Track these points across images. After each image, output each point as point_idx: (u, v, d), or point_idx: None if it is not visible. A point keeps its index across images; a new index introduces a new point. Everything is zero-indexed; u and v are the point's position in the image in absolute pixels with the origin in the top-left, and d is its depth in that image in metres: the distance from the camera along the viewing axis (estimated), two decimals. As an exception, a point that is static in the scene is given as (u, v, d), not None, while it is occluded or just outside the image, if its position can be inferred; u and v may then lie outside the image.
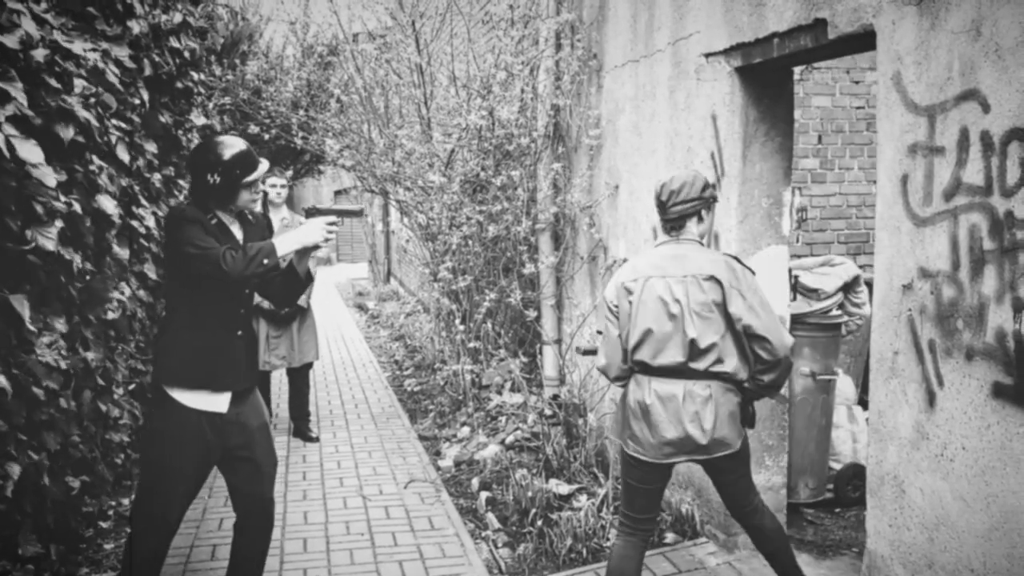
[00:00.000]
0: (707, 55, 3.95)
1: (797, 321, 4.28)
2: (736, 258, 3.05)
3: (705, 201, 3.06)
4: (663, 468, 3.06)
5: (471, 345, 6.31)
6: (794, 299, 4.44)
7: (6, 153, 1.99)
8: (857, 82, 6.31)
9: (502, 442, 5.51)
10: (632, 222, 4.80)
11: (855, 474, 4.49)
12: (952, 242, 2.72)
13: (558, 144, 5.73)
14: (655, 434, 2.96)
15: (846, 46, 3.29)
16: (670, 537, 4.15)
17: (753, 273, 3.04)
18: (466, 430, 5.94)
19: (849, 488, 4.51)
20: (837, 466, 4.68)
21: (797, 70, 5.92)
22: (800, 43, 3.38)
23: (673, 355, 2.95)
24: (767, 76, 3.81)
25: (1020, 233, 2.48)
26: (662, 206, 3.06)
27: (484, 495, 4.71)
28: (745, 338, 2.93)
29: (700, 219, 3.08)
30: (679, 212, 3.03)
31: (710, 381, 2.95)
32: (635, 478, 3.10)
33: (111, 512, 4.55)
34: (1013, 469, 2.53)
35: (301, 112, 7.00)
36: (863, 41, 3.13)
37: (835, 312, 4.58)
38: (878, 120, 3.02)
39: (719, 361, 2.93)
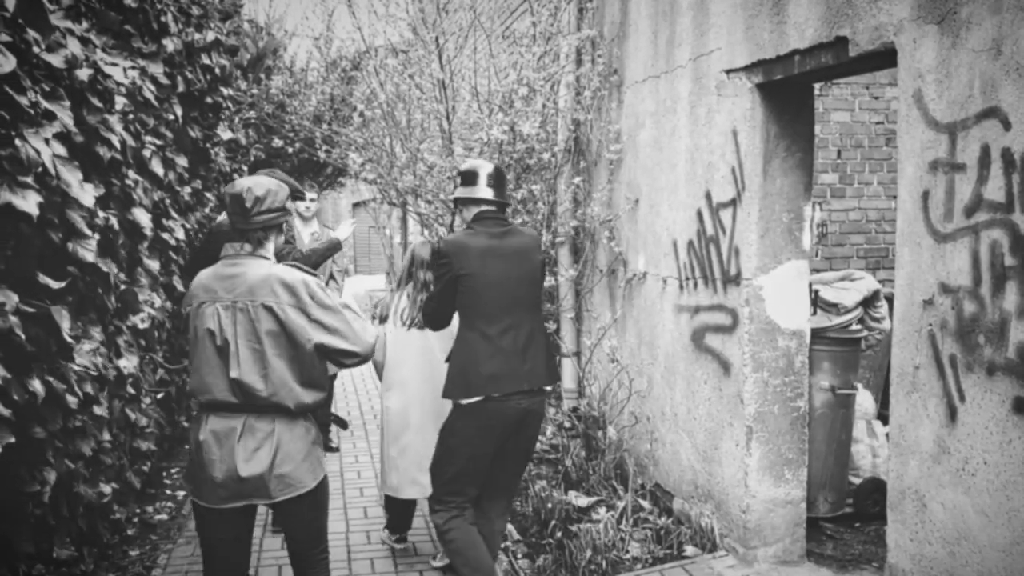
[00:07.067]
0: (728, 71, 3.99)
1: (817, 335, 4.30)
2: (296, 265, 2.72)
3: (287, 212, 2.74)
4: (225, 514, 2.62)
5: (491, 357, 6.33)
6: (814, 313, 4.46)
7: (52, 171, 2.07)
8: (876, 97, 6.33)
9: (521, 454, 5.54)
10: (652, 236, 4.84)
11: (875, 488, 4.49)
12: (973, 258, 2.75)
13: (578, 158, 5.79)
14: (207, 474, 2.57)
15: (867, 63, 3.33)
16: (689, 550, 4.16)
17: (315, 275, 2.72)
18: (485, 441, 5.97)
19: (869, 502, 4.51)
20: (857, 480, 4.67)
21: (817, 85, 5.95)
22: (821, 60, 3.42)
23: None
24: (788, 92, 3.85)
25: (1041, 249, 2.51)
26: (244, 213, 2.62)
27: (504, 506, 4.74)
28: (323, 354, 2.64)
29: (281, 232, 2.79)
30: (263, 223, 2.66)
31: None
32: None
33: (136, 519, 4.62)
34: (1035, 484, 2.54)
35: (324, 126, 7.10)
36: (884, 59, 3.17)
37: (855, 326, 4.59)
38: (899, 137, 3.05)
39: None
